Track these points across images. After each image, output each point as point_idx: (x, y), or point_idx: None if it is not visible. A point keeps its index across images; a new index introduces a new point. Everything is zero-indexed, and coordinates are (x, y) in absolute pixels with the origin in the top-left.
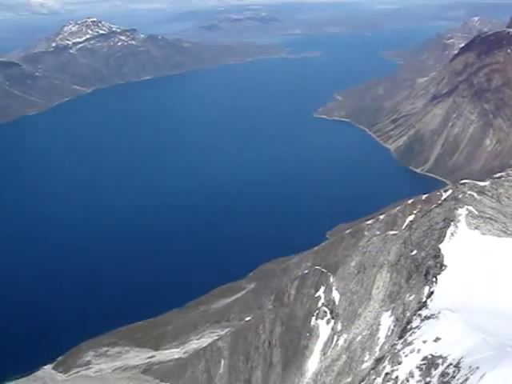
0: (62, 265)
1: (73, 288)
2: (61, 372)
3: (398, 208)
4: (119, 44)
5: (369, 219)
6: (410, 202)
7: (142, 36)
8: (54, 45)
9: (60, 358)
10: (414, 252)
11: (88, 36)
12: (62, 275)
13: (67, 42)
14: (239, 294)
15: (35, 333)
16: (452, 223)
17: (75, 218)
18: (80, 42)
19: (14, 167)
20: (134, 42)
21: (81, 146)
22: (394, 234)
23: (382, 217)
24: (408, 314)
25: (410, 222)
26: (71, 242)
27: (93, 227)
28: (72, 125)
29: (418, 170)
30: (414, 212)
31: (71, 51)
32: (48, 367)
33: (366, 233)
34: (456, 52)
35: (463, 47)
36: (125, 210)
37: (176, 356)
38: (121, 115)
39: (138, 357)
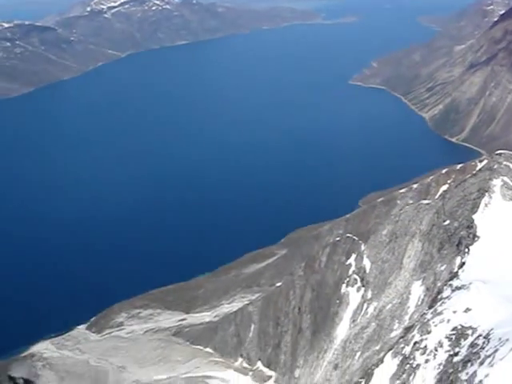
0: (98, 228)
1: (107, 251)
2: (94, 332)
3: (431, 177)
4: (153, 8)
5: (402, 188)
6: (444, 171)
7: (177, 0)
8: (88, 9)
9: (93, 319)
10: (447, 222)
11: (122, 0)
12: (99, 238)
13: (102, 6)
14: (270, 260)
15: (70, 294)
16: (486, 194)
17: (116, 183)
18: (114, 7)
19: (54, 128)
20: (168, 7)
21: (115, 111)
22: (427, 204)
23: (415, 186)
24: (439, 284)
25: (444, 191)
26: (107, 208)
27: (134, 194)
28: (106, 89)
29: (453, 140)
30: (448, 182)
31: (106, 15)
32: (82, 327)
33: (398, 201)
34: (496, 19)
35: (503, 14)
36: (164, 176)
37: (207, 319)
38: (153, 81)
39: (169, 319)
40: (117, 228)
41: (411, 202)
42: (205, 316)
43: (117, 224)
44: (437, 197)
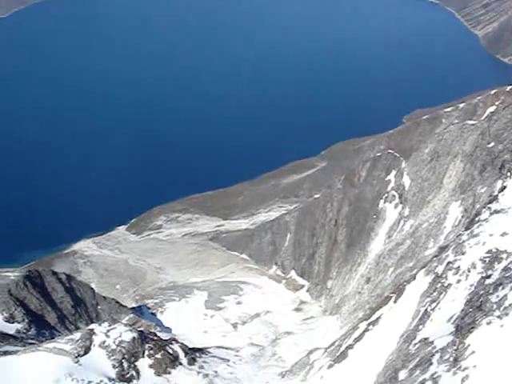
0: (142, 132)
1: (150, 156)
2: (133, 233)
3: (479, 97)
4: None
5: (448, 106)
6: (492, 92)
7: None
8: None
9: (133, 221)
10: (491, 144)
11: None
12: (143, 142)
13: None
14: (310, 171)
15: (112, 195)
16: None
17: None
18: None
19: None
20: None
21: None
22: (473, 124)
23: (461, 105)
24: (477, 206)
25: (491, 113)
26: (152, 112)
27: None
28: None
29: (506, 60)
30: (496, 103)
31: None
32: (122, 228)
33: (443, 120)
34: None
35: None
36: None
37: (244, 227)
38: None
39: (207, 225)
40: (161, 133)
41: (456, 121)
42: (242, 223)
43: (161, 128)
44: (483, 118)
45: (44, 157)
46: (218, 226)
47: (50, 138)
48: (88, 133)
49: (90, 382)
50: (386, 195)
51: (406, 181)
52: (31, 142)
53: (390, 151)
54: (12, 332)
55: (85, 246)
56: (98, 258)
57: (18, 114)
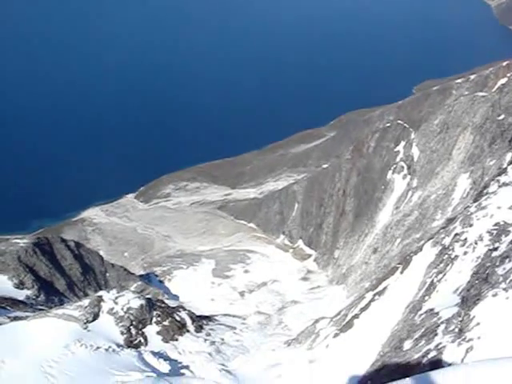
0: (151, 100)
1: (158, 123)
2: (142, 201)
3: (490, 69)
4: None
5: (459, 78)
6: (504, 63)
7: None
8: None
9: (142, 189)
10: (502, 117)
11: None
12: (153, 110)
13: None
14: (318, 141)
15: (120, 162)
16: None
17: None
18: None
19: None
20: None
21: None
22: (483, 96)
23: (472, 77)
24: (486, 179)
25: (502, 85)
26: (161, 80)
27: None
28: None
29: None
30: (508, 75)
31: None
32: (130, 196)
33: (453, 91)
34: None
35: None
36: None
37: (252, 196)
38: None
39: (215, 193)
40: (170, 101)
41: (467, 93)
42: (250, 192)
43: (171, 97)
44: (494, 90)
45: (53, 124)
46: (226, 194)
47: (59, 104)
48: (97, 100)
49: (98, 347)
50: (395, 166)
51: (415, 152)
52: (40, 108)
53: (399, 122)
54: (22, 298)
55: (93, 214)
56: (107, 226)
57: (26, 82)
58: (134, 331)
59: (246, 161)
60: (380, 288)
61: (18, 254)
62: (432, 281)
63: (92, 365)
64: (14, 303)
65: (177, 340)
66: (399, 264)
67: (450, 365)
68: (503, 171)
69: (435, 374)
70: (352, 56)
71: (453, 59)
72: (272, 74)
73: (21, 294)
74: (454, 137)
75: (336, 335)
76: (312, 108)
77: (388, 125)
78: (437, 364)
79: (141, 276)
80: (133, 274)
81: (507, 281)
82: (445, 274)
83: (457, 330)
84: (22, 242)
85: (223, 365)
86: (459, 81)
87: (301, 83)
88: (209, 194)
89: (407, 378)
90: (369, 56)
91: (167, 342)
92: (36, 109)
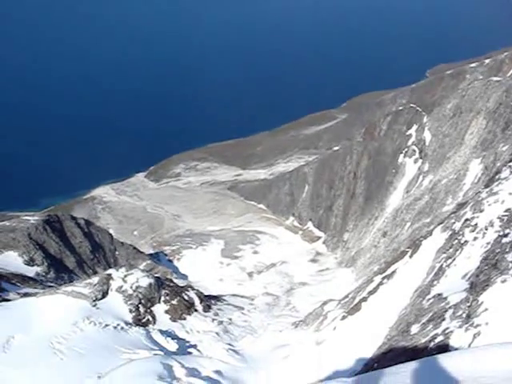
0: (163, 80)
1: (169, 103)
2: (152, 181)
3: (505, 54)
4: None
5: (473, 62)
6: None
7: None
8: None
9: (152, 168)
10: None
11: None
12: (165, 90)
13: None
14: (330, 123)
15: (130, 141)
16: None
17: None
18: None
19: None
20: None
21: None
22: (497, 81)
23: (487, 61)
24: (498, 164)
25: None
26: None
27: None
28: None
29: None
30: None
31: None
32: (141, 175)
33: (467, 76)
34: None
35: None
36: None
37: (262, 177)
38: None
39: (226, 174)
40: (182, 81)
41: (481, 77)
42: (260, 173)
43: (183, 76)
44: (508, 75)
45: (65, 104)
46: (237, 175)
47: (72, 84)
48: (109, 79)
49: (106, 325)
50: (406, 150)
51: (427, 136)
52: (54, 89)
53: (411, 105)
54: (31, 275)
55: (104, 192)
56: (117, 204)
57: (48, 63)
58: (142, 309)
59: (257, 142)
60: (388, 272)
61: (29, 231)
62: (441, 266)
63: (100, 342)
64: (24, 280)
65: (185, 319)
66: (408, 248)
67: (456, 350)
68: None
69: (442, 358)
70: (366, 39)
71: (467, 43)
72: (285, 56)
73: (31, 271)
74: (466, 121)
75: (344, 318)
76: (324, 90)
77: (400, 108)
78: (444, 349)
79: (150, 255)
80: (142, 252)
81: None
82: (454, 259)
83: (464, 315)
84: (32, 219)
85: (230, 344)
86: (473, 65)
87: (314, 65)
88: (219, 175)
89: (413, 361)
90: (383, 39)
91: (175, 320)
92: (49, 90)
